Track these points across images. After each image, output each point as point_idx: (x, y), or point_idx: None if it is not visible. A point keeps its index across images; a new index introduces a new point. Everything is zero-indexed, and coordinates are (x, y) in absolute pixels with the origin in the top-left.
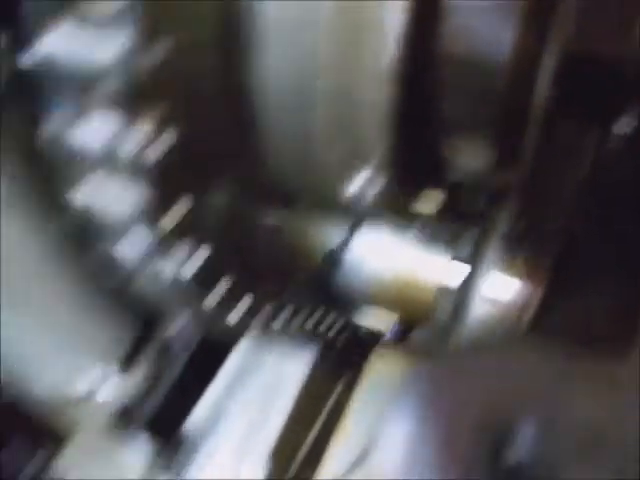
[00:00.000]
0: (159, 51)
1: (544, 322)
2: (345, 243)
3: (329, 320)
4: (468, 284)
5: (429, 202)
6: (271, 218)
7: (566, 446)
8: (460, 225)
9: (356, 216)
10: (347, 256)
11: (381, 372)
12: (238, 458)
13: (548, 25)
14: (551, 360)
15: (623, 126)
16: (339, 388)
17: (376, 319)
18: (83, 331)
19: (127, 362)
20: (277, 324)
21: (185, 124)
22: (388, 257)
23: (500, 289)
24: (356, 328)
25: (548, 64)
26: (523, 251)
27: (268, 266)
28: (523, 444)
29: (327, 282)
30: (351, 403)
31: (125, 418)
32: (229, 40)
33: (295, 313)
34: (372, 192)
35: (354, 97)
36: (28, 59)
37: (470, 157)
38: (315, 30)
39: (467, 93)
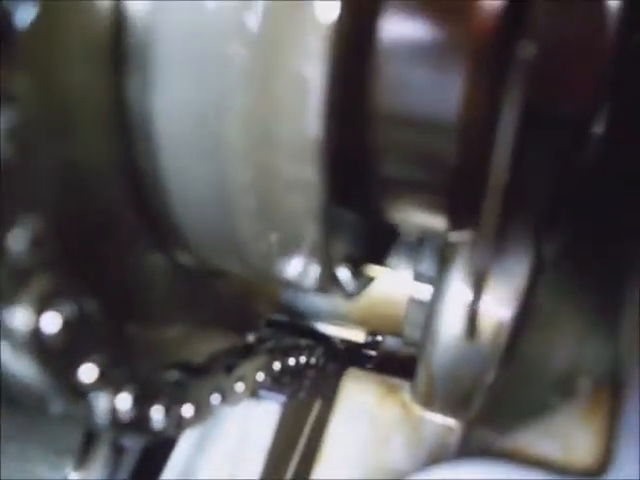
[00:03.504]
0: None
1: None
2: None
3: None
4: (438, 300)
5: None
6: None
7: None
8: (422, 239)
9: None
10: None
11: (355, 394)
12: None
13: (503, 76)
14: None
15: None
16: (318, 405)
17: (348, 332)
18: (35, 434)
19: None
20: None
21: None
22: None
23: (472, 307)
24: (331, 342)
25: (507, 121)
26: (493, 270)
27: (230, 311)
28: None
29: (295, 303)
30: (329, 428)
31: None
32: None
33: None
34: (310, 277)
35: (276, 180)
36: None
37: (419, 222)
38: (225, 116)
39: (408, 157)
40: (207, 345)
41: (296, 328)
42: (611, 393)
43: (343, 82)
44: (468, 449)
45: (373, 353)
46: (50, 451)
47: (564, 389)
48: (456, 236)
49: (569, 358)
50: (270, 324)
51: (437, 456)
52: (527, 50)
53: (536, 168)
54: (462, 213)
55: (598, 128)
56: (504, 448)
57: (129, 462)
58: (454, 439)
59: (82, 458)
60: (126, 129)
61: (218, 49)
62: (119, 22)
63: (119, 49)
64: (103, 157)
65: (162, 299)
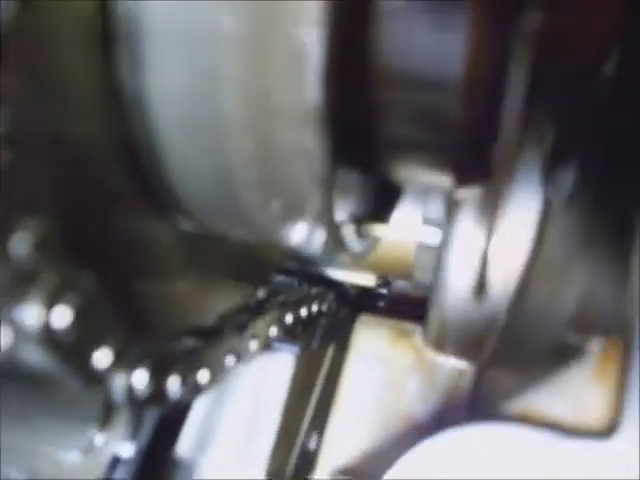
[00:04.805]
0: None
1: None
2: None
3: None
4: (448, 243)
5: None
6: None
7: None
8: None
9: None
10: None
11: (368, 340)
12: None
13: (511, 29)
14: None
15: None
16: (331, 353)
17: (358, 277)
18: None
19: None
20: None
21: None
22: None
23: (482, 252)
24: (341, 286)
25: (517, 76)
26: (502, 217)
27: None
28: None
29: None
30: (343, 375)
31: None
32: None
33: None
34: (316, 242)
35: (277, 149)
36: None
37: (425, 180)
38: (220, 89)
39: (412, 115)
40: (217, 303)
41: (305, 275)
42: (621, 353)
43: (341, 44)
44: (480, 392)
45: (384, 293)
46: (74, 415)
47: (575, 329)
48: (462, 193)
49: (580, 298)
50: (279, 272)
51: (450, 399)
52: None
53: (545, 107)
54: (467, 170)
55: (608, 68)
56: (514, 409)
57: (151, 419)
58: (467, 382)
59: (105, 420)
60: (122, 111)
61: (208, 20)
62: (104, 3)
63: (107, 31)
64: (101, 141)
65: (167, 259)
